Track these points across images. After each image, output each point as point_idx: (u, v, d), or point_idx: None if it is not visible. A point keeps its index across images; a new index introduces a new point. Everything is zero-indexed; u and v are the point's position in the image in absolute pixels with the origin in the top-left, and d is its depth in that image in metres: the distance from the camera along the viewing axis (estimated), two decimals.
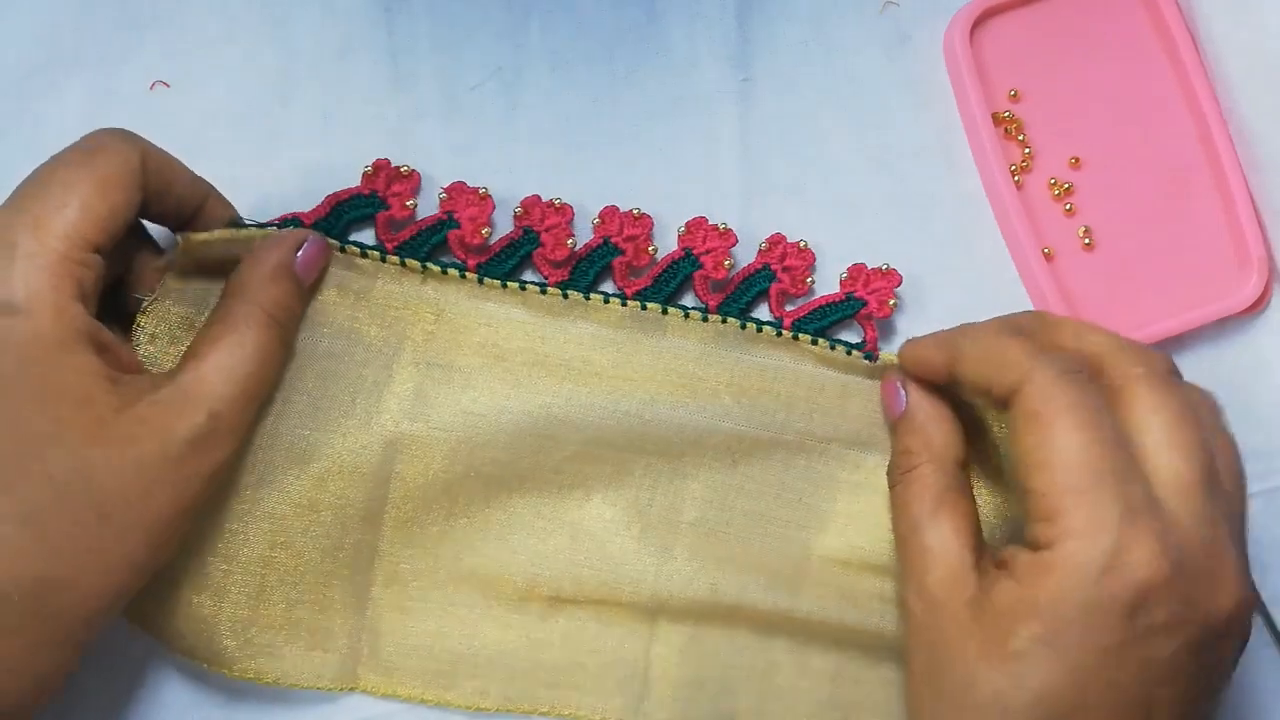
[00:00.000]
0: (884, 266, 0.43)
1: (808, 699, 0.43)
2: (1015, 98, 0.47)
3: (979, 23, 0.46)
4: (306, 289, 0.38)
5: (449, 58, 0.44)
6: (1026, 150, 0.46)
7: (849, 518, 0.43)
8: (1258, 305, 0.46)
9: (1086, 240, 0.46)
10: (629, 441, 0.41)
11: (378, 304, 0.40)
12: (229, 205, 0.40)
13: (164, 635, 0.38)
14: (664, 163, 0.44)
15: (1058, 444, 0.33)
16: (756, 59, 0.45)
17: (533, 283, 0.41)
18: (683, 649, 0.42)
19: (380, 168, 0.41)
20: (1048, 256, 0.45)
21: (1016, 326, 0.38)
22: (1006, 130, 0.46)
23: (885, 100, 0.46)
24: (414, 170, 0.41)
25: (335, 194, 0.40)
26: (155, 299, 0.37)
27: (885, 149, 0.46)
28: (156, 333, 0.37)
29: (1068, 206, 0.46)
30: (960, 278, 0.45)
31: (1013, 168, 0.46)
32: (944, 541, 0.36)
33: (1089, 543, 0.32)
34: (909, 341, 0.41)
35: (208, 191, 0.39)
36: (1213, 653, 0.33)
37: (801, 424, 0.42)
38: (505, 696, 0.41)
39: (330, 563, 0.40)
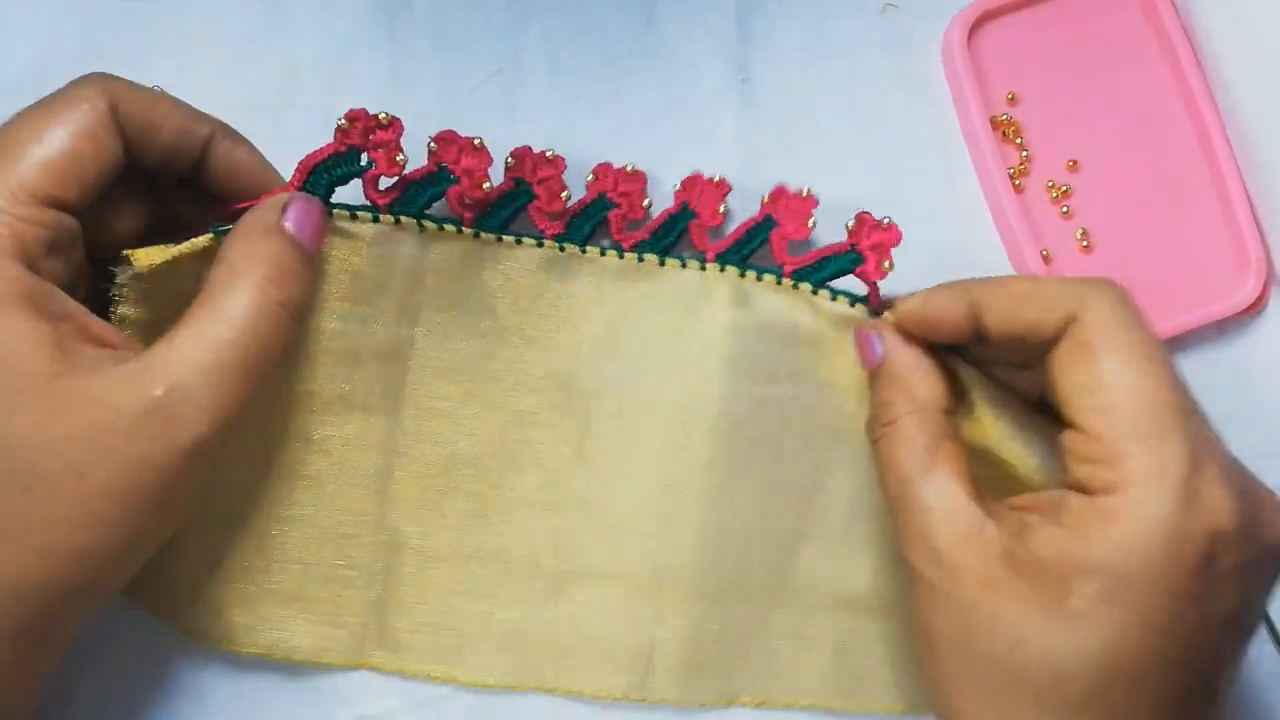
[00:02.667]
0: (885, 221, 0.41)
1: (811, 673, 0.42)
2: (1013, 100, 0.47)
3: (977, 25, 0.46)
4: (306, 251, 0.34)
5: (449, 59, 0.44)
6: (1024, 153, 0.46)
7: (848, 469, 0.42)
8: (1256, 306, 0.46)
9: (1084, 242, 0.46)
10: (623, 408, 0.41)
11: (373, 267, 0.38)
12: (246, 145, 0.37)
13: (171, 616, 0.38)
14: (664, 163, 0.44)
15: (1121, 381, 0.31)
16: (756, 60, 0.45)
17: (529, 236, 0.39)
18: (687, 632, 0.41)
19: (356, 119, 0.36)
20: (1046, 259, 0.45)
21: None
22: (1004, 133, 0.46)
23: (884, 102, 0.46)
24: (395, 117, 0.37)
25: (310, 156, 0.36)
26: (120, 295, 0.35)
27: (884, 151, 0.46)
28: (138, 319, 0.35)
29: (1065, 209, 0.46)
30: (959, 279, 0.45)
31: (1011, 170, 0.46)
32: (946, 495, 0.33)
33: (1159, 490, 0.29)
34: (911, 297, 0.37)
35: (210, 131, 0.36)
36: (1268, 590, 0.32)
37: (800, 376, 0.41)
38: (512, 673, 0.41)
39: (337, 537, 0.39)
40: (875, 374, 0.38)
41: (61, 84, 0.42)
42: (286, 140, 0.43)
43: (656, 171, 0.44)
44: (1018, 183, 0.46)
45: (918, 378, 0.37)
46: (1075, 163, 0.47)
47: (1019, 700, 0.31)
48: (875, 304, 0.41)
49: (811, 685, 0.42)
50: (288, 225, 0.34)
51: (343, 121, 0.36)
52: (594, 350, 0.40)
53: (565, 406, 0.40)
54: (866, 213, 0.41)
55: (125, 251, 0.34)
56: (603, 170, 0.41)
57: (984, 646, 0.31)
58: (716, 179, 0.41)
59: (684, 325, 0.40)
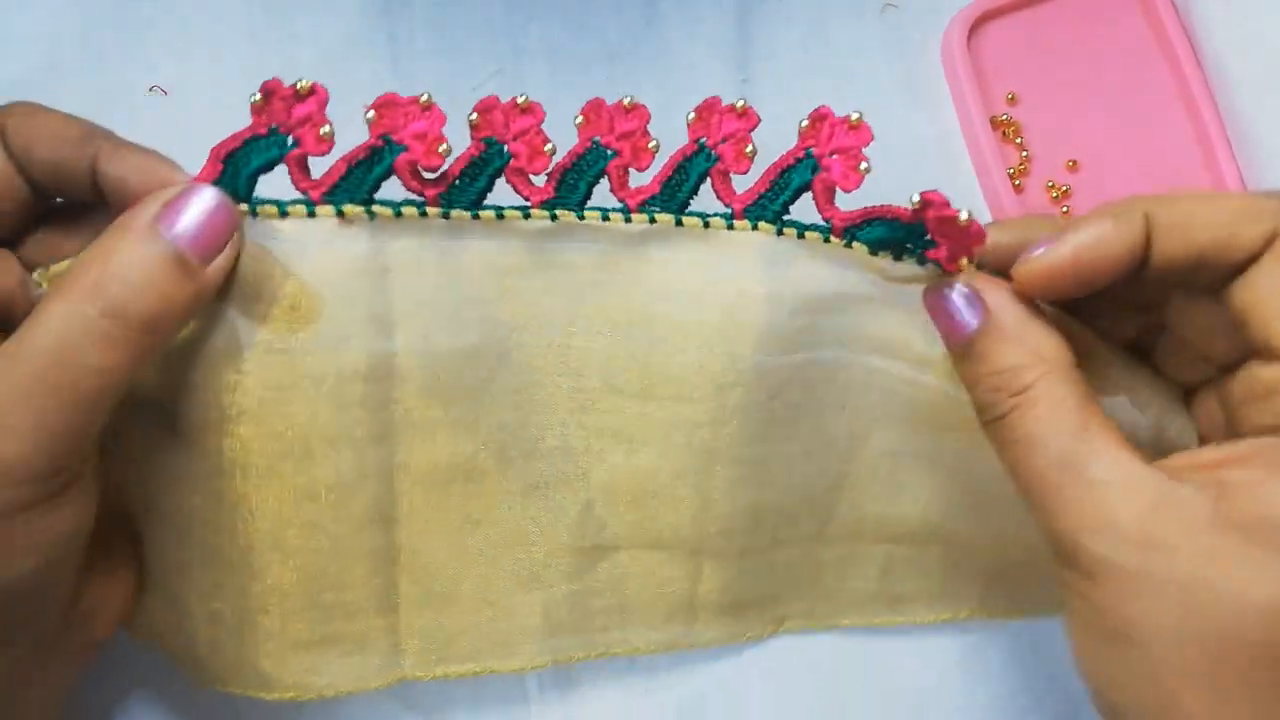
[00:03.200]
0: (964, 217, 0.31)
1: (856, 594, 0.41)
2: (1013, 101, 0.47)
3: (977, 26, 0.46)
4: (177, 253, 0.28)
5: (449, 59, 0.44)
6: (1024, 153, 0.46)
7: (895, 421, 0.38)
8: None
9: None
10: (648, 384, 0.36)
11: (318, 276, 0.31)
12: (142, 152, 0.31)
13: (199, 673, 0.36)
14: (663, 163, 0.44)
15: None
16: (755, 60, 0.46)
17: (512, 207, 0.33)
18: (729, 581, 0.39)
19: (271, 91, 0.30)
20: None
21: None
22: (1004, 133, 0.46)
23: (884, 102, 0.46)
24: (316, 84, 0.30)
25: (222, 143, 0.30)
26: None
27: (884, 151, 0.46)
28: None
29: (1065, 209, 0.46)
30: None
31: (1011, 170, 0.46)
32: (1118, 463, 0.28)
33: None
34: (1043, 248, 0.30)
35: (94, 143, 0.31)
36: None
37: (849, 343, 0.35)
38: (556, 651, 0.39)
39: (350, 570, 0.35)
40: (979, 340, 0.31)
41: (63, 84, 0.42)
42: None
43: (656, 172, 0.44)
44: (1018, 183, 0.46)
45: (1040, 332, 0.31)
46: (1075, 163, 0.47)
47: (1274, 685, 0.27)
48: (952, 265, 0.32)
49: (856, 605, 0.41)
50: (162, 225, 0.28)
51: (256, 96, 0.30)
52: (607, 330, 0.35)
53: (579, 391, 0.36)
54: (934, 191, 0.31)
55: (35, 273, 0.32)
56: (593, 108, 0.34)
57: (1217, 630, 0.27)
58: (740, 106, 0.34)
59: (710, 296, 0.34)
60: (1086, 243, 0.29)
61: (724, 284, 0.34)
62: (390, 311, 0.32)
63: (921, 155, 0.46)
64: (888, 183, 0.46)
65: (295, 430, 0.32)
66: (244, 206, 0.30)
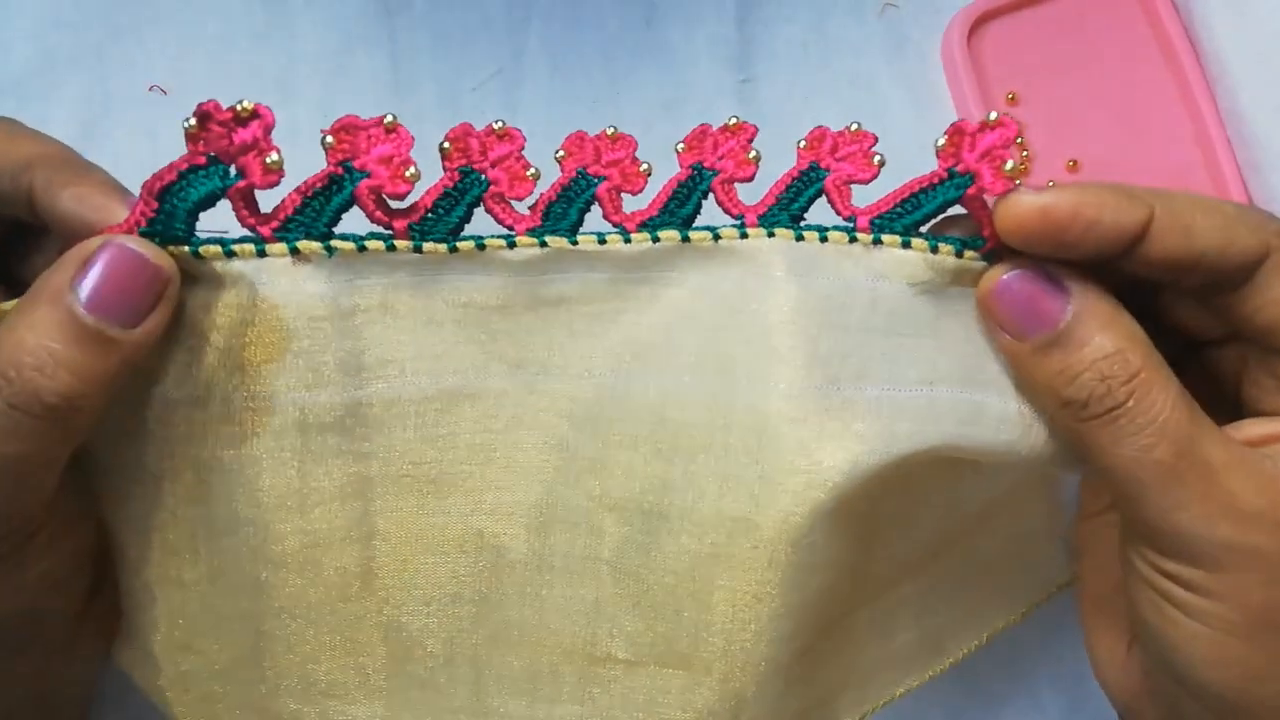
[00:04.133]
0: (991, 116, 0.29)
1: (900, 653, 0.36)
2: (1013, 100, 0.47)
3: (977, 25, 0.46)
4: (88, 327, 0.25)
5: (449, 59, 0.44)
6: (1024, 153, 0.46)
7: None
8: None
9: None
10: (664, 435, 0.30)
11: (274, 322, 0.27)
12: (80, 181, 0.29)
13: None
14: (664, 164, 0.44)
15: None
16: (756, 60, 0.45)
17: (494, 236, 0.29)
18: (772, 704, 0.33)
19: (207, 114, 0.26)
20: None
21: None
22: None
23: (884, 102, 0.46)
24: (258, 106, 0.26)
25: (155, 176, 0.26)
26: None
27: (884, 151, 0.46)
28: None
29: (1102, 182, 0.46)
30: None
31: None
32: (1229, 444, 0.27)
33: None
34: (1041, 190, 0.28)
35: (31, 180, 0.29)
36: None
37: (883, 370, 0.30)
38: None
39: (332, 654, 0.31)
40: (1074, 326, 0.28)
41: (62, 83, 0.42)
42: (286, 141, 0.43)
43: (656, 172, 0.44)
44: (1018, 183, 0.46)
45: (1127, 316, 0.28)
46: (1075, 163, 0.47)
47: None
48: (995, 242, 0.29)
49: (904, 665, 0.37)
50: (77, 289, 0.25)
51: (190, 121, 0.26)
52: (609, 371, 0.30)
53: (582, 446, 0.31)
54: (963, 120, 0.29)
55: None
56: (575, 141, 0.30)
57: None
58: (732, 123, 0.31)
59: (727, 319, 0.30)
60: (1091, 202, 0.27)
61: (743, 304, 0.29)
62: (360, 357, 0.29)
63: (922, 155, 0.46)
64: (889, 184, 0.46)
65: (253, 489, 0.29)
66: (185, 249, 0.26)
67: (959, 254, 0.29)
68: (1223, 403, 0.30)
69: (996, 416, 0.30)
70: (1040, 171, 0.46)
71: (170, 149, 0.37)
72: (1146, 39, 0.48)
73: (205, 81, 0.43)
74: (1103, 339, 0.27)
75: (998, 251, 0.29)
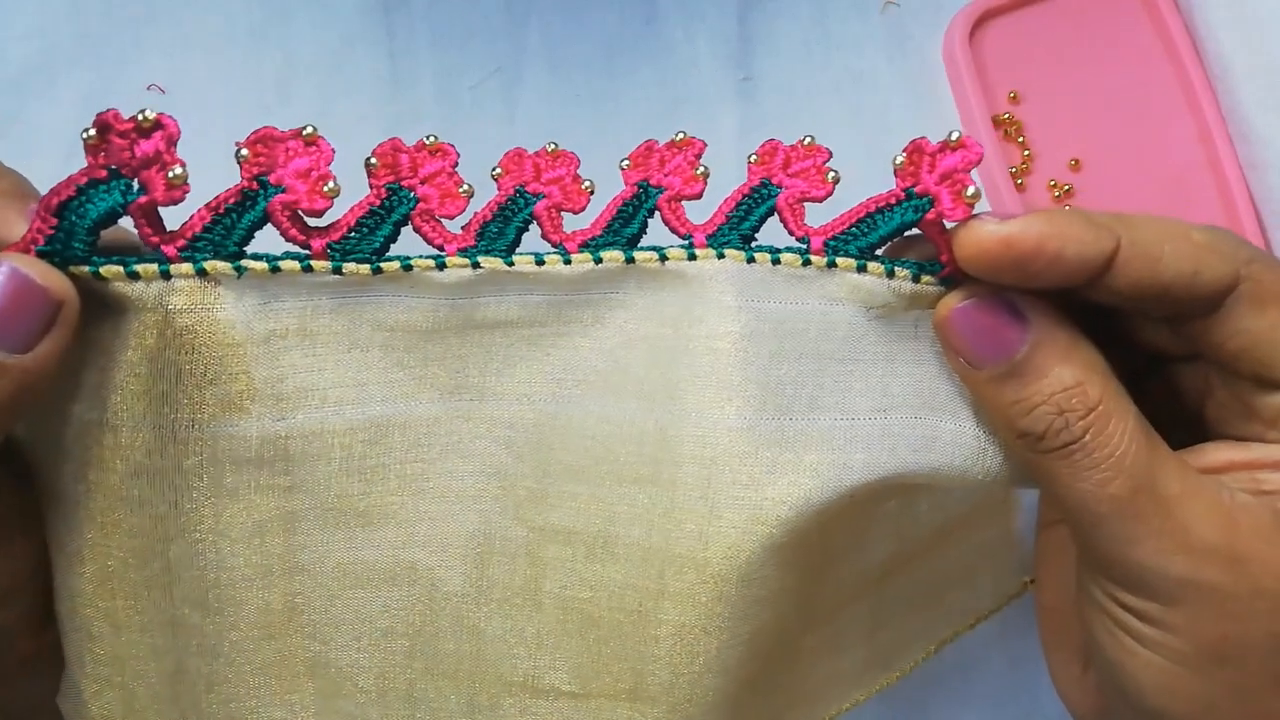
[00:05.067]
0: (953, 136, 0.27)
1: (846, 672, 0.36)
2: (1015, 99, 0.46)
3: (979, 24, 0.46)
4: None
5: (448, 57, 0.44)
6: (1026, 152, 0.46)
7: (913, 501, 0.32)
8: None
9: None
10: (604, 466, 0.29)
11: (177, 349, 0.25)
12: None
13: None
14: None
15: None
16: (757, 59, 0.45)
17: (422, 256, 0.27)
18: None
19: (106, 125, 0.25)
20: None
21: None
22: (1006, 132, 0.46)
23: (886, 101, 0.46)
24: (161, 115, 0.25)
25: (52, 191, 0.25)
26: None
27: (885, 150, 0.45)
28: None
29: (1068, 208, 0.46)
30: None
31: (1013, 169, 0.46)
32: (1188, 476, 0.27)
33: None
34: (1004, 220, 0.26)
35: None
36: None
37: (835, 399, 0.29)
38: None
39: (247, 688, 0.29)
40: (1032, 356, 0.27)
41: (59, 83, 0.42)
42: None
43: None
44: (1020, 181, 0.46)
45: (1087, 344, 0.27)
46: (1077, 161, 0.46)
47: None
48: (953, 268, 0.28)
49: (850, 683, 0.36)
50: None
51: (89, 132, 0.25)
52: (548, 398, 0.29)
53: (521, 475, 0.29)
54: (922, 138, 0.28)
55: None
56: (513, 158, 0.29)
57: None
58: (680, 138, 0.30)
59: (674, 345, 0.28)
60: (1055, 233, 0.26)
61: (691, 330, 0.28)
62: (278, 385, 0.27)
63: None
64: (890, 183, 0.46)
65: (165, 523, 0.27)
66: (81, 269, 0.25)
67: (915, 279, 0.28)
68: (1184, 419, 0.30)
69: (950, 441, 0.29)
70: (1043, 170, 0.46)
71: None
72: (1149, 37, 0.47)
73: (203, 80, 0.43)
74: (1061, 370, 0.27)
75: (955, 276, 0.28)
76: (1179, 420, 0.29)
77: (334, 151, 0.26)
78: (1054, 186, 0.46)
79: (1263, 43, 0.44)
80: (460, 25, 0.44)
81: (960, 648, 0.42)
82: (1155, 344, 0.30)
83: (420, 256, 0.27)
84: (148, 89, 0.43)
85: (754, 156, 0.30)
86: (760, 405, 0.28)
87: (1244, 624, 0.26)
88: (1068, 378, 0.27)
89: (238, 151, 0.26)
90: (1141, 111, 0.47)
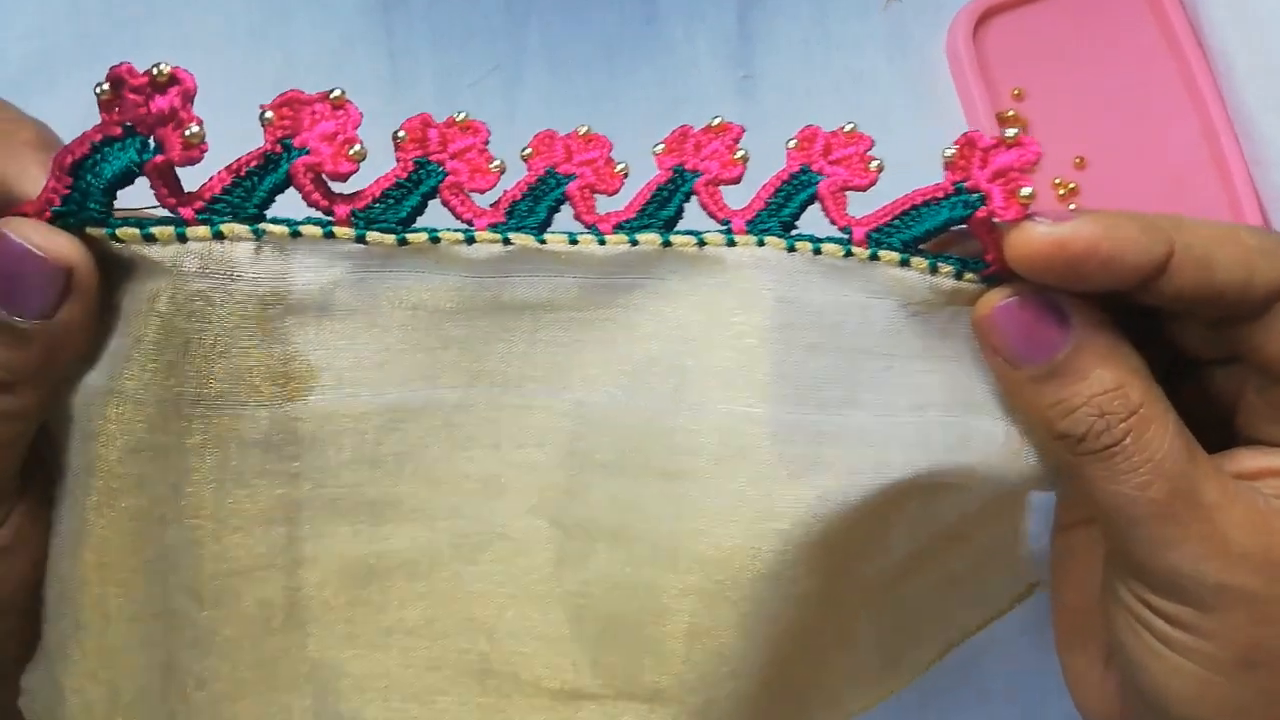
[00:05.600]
0: (1011, 134, 0.27)
1: (860, 673, 0.35)
2: (1019, 97, 0.46)
3: (982, 21, 0.46)
4: (15, 325, 0.24)
5: (448, 55, 0.44)
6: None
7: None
8: None
9: None
10: (634, 457, 0.28)
11: (186, 320, 0.24)
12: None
13: None
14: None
15: None
16: (757, 57, 0.45)
17: (451, 229, 0.26)
18: None
19: (119, 80, 0.24)
20: None
21: None
22: (1010, 129, 0.46)
23: (888, 99, 0.46)
24: (176, 69, 0.24)
25: (65, 149, 0.24)
26: None
27: (888, 148, 0.45)
28: None
29: (1072, 206, 0.46)
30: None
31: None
32: (1226, 482, 0.26)
33: None
34: (1061, 220, 0.26)
35: None
36: None
37: (872, 395, 0.28)
38: None
39: (243, 683, 0.28)
40: (1073, 357, 0.27)
41: (58, 82, 0.42)
42: None
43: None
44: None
45: (1128, 346, 0.27)
46: (1082, 160, 0.46)
47: None
48: (998, 266, 0.27)
49: (866, 684, 0.35)
50: None
51: (102, 87, 0.24)
52: (578, 385, 0.28)
53: (542, 468, 0.28)
54: (976, 131, 0.27)
55: None
56: (543, 139, 0.28)
57: None
58: (716, 123, 0.29)
59: (708, 335, 0.27)
60: (1109, 236, 0.25)
61: (727, 320, 0.27)
62: (290, 365, 0.25)
63: (926, 153, 0.46)
64: (893, 181, 0.45)
65: (164, 507, 0.26)
66: (96, 230, 0.24)
67: (958, 275, 0.27)
68: (1215, 423, 0.29)
69: (986, 441, 0.28)
70: (1046, 168, 0.46)
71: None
72: (1153, 35, 0.47)
73: (203, 79, 0.42)
74: (1103, 372, 0.26)
75: (999, 275, 0.27)
76: (1208, 424, 0.28)
77: (362, 116, 0.25)
78: (1058, 185, 0.46)
79: (1266, 41, 0.44)
80: (460, 24, 0.44)
81: (961, 649, 0.41)
82: (1190, 346, 0.30)
83: (449, 229, 0.26)
84: None
85: (793, 142, 0.29)
86: (797, 400, 0.27)
87: (1277, 629, 0.26)
88: (1109, 380, 0.26)
89: (262, 114, 0.25)
90: (1145, 109, 0.47)
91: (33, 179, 0.25)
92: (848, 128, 0.29)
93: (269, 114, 0.25)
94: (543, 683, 0.30)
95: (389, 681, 0.29)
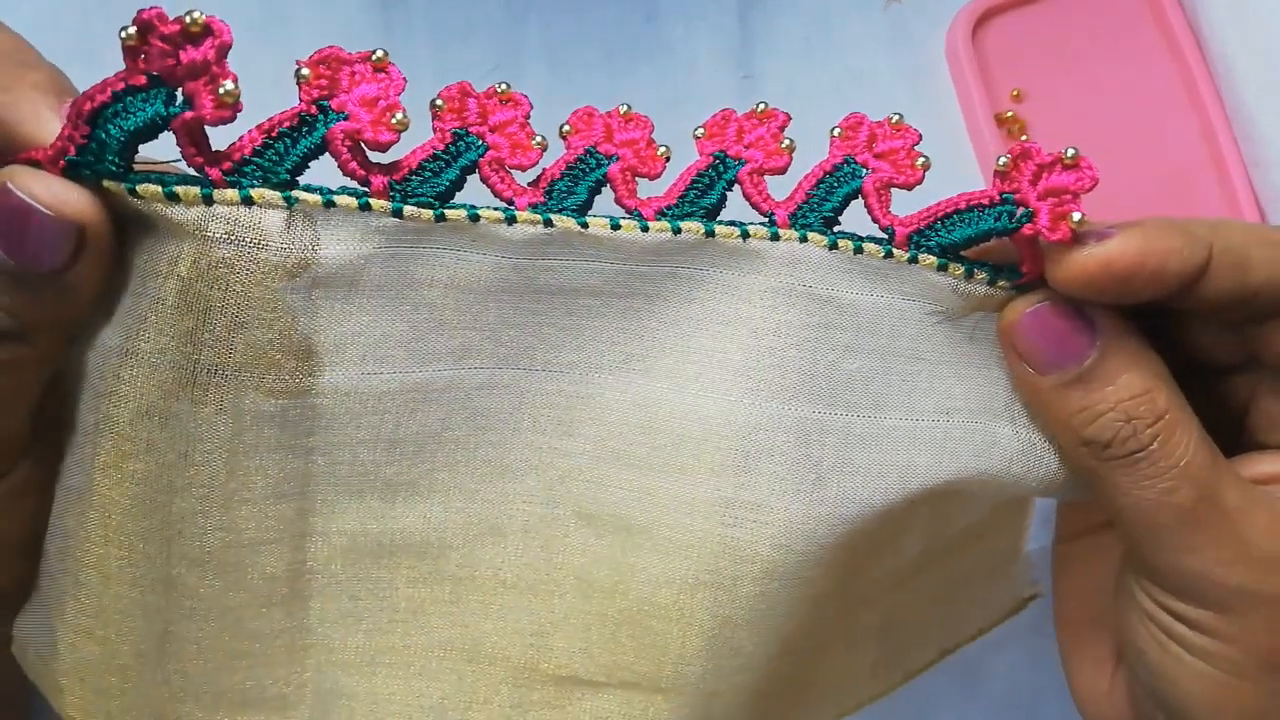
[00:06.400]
0: (1069, 155, 0.26)
1: (859, 671, 0.35)
2: (1018, 97, 0.46)
3: (982, 21, 0.46)
4: (29, 272, 0.22)
5: (447, 54, 0.44)
6: None
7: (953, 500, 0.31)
8: None
9: None
10: (660, 450, 0.27)
11: (206, 286, 0.23)
12: (14, 100, 0.24)
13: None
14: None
15: None
16: (758, 57, 0.45)
17: (491, 208, 0.25)
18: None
19: (148, 26, 0.22)
20: None
21: None
22: (1009, 130, 0.46)
23: (888, 99, 0.46)
24: (210, 19, 0.22)
25: (85, 95, 0.22)
26: None
27: None
28: None
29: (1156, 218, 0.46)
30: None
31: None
32: (1248, 489, 0.27)
33: None
34: (1105, 235, 0.25)
35: None
36: None
37: (901, 398, 0.28)
38: None
39: (243, 652, 0.28)
40: (1101, 363, 0.27)
41: None
42: None
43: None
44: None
45: (1152, 352, 0.27)
46: None
47: None
48: (1032, 276, 0.27)
49: (862, 682, 0.35)
50: None
51: (128, 31, 0.22)
52: (609, 372, 0.27)
53: (562, 453, 0.28)
54: (1031, 142, 0.27)
55: None
56: (583, 116, 0.27)
57: None
58: (761, 109, 0.28)
59: (744, 331, 0.27)
60: (1153, 249, 0.25)
61: (765, 316, 0.27)
62: (313, 339, 0.24)
63: (925, 152, 0.46)
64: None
65: (172, 475, 0.25)
66: (114, 184, 0.23)
67: (991, 283, 0.27)
68: (1225, 428, 0.30)
69: (1009, 447, 0.29)
70: None
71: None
72: (1151, 35, 0.47)
73: None
74: (1129, 377, 0.26)
75: (1031, 284, 0.27)
76: (1219, 429, 0.28)
77: (405, 82, 0.24)
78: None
79: (1265, 40, 0.44)
80: (459, 22, 0.44)
81: (959, 653, 0.41)
82: (1207, 350, 0.30)
83: (488, 208, 0.25)
84: None
85: (837, 130, 0.28)
86: (827, 401, 0.27)
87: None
88: (1136, 385, 0.26)
89: (297, 71, 0.23)
90: (1144, 109, 0.47)
91: (45, 123, 0.23)
92: (894, 119, 0.28)
93: (305, 70, 0.23)
94: (546, 669, 0.29)
95: (392, 658, 0.29)
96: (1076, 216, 0.25)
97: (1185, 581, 0.27)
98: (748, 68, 0.45)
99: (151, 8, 0.21)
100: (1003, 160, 0.27)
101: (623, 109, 0.27)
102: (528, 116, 0.26)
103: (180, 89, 0.22)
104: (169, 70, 0.22)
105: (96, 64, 0.42)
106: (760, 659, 0.29)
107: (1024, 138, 0.46)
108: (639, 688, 0.29)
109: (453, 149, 0.25)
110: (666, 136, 0.38)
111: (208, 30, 0.22)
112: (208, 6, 0.43)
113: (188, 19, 0.21)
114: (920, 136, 0.28)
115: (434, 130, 0.25)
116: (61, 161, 0.22)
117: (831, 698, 0.35)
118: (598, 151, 0.26)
